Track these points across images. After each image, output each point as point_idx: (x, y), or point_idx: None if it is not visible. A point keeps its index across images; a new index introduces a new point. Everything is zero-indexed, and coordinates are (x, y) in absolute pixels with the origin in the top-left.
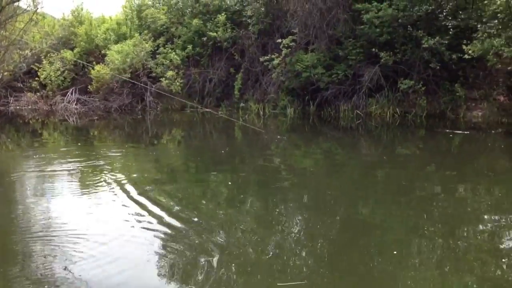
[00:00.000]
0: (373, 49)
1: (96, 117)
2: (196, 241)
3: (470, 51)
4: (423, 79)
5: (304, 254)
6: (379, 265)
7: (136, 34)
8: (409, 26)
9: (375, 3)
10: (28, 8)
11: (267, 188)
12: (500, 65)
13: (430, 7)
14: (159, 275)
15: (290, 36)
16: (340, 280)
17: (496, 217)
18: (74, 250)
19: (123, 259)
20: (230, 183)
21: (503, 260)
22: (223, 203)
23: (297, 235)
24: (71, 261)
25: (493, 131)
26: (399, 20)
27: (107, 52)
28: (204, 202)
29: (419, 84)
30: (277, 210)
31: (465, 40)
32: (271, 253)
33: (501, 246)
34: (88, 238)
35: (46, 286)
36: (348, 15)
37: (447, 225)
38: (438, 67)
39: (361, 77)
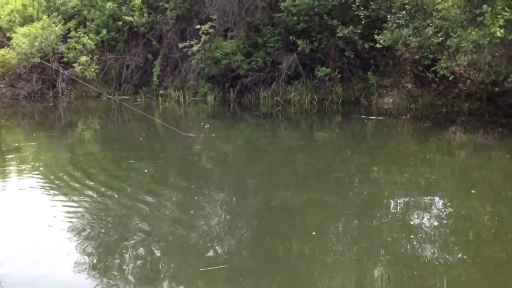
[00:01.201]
0: (291, 37)
1: (2, 105)
2: (117, 229)
3: (381, 41)
4: (338, 67)
5: (225, 239)
6: (298, 248)
7: (44, 17)
8: (324, 15)
9: None
10: None
11: (186, 175)
12: (408, 54)
13: None
14: (79, 265)
15: (209, 23)
16: (260, 263)
17: (406, 197)
18: None
19: (38, 254)
20: (146, 171)
21: (413, 237)
22: (142, 191)
23: (218, 221)
24: None
25: (402, 117)
26: (315, 9)
27: (12, 35)
28: (121, 191)
29: (335, 72)
30: (197, 196)
31: (376, 30)
32: (192, 239)
33: (411, 224)
34: None
35: None
36: (266, 2)
37: (362, 206)
38: (352, 56)
39: (280, 65)
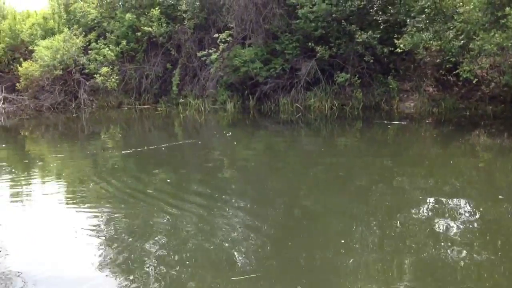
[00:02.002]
0: (309, 44)
1: (27, 116)
2: (143, 236)
3: (401, 45)
4: (358, 72)
5: (250, 247)
6: (321, 254)
7: (66, 29)
8: (342, 21)
9: None
10: None
11: (209, 184)
12: (428, 58)
13: (362, 2)
14: (103, 269)
15: (227, 31)
16: (286, 270)
17: (431, 203)
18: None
19: (63, 257)
20: (169, 180)
21: (438, 242)
22: (165, 199)
23: (241, 229)
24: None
25: (425, 121)
26: (333, 15)
27: (34, 48)
28: (144, 200)
29: (355, 77)
30: (220, 204)
31: (395, 34)
32: (216, 247)
33: (437, 230)
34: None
35: None
36: (283, 10)
37: (386, 212)
38: (371, 61)
39: (299, 71)
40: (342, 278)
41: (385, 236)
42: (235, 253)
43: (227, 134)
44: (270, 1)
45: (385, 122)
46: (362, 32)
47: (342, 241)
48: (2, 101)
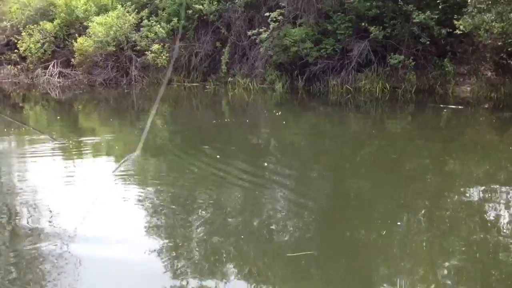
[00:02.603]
0: (363, 24)
1: (80, 91)
2: (193, 214)
3: (461, 26)
4: (412, 54)
5: (296, 225)
6: (366, 237)
7: (119, 6)
8: (399, 1)
9: None
10: None
11: (256, 162)
12: (489, 41)
13: None
14: (152, 249)
15: (278, 10)
16: (337, 249)
17: (483, 190)
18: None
19: (114, 235)
20: (218, 156)
21: (489, 232)
22: (212, 176)
23: (288, 207)
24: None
25: (482, 106)
26: None
27: (89, 24)
28: (192, 175)
29: (409, 59)
30: (267, 182)
31: (454, 15)
32: (263, 224)
33: (488, 218)
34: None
35: (40, 259)
36: None
37: (435, 197)
38: (427, 42)
39: (350, 52)
40: (388, 259)
41: (432, 220)
42: (282, 230)
43: (277, 114)
44: None
45: (440, 106)
46: (420, 12)
47: (388, 225)
48: (57, 76)
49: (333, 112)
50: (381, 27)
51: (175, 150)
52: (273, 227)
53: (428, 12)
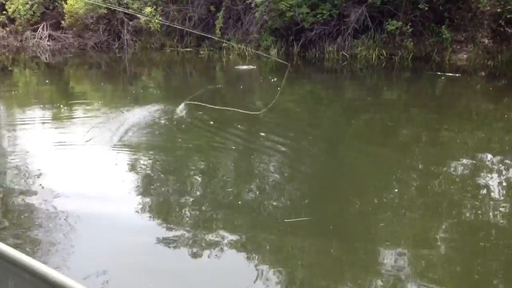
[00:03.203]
0: None
1: (71, 54)
2: (187, 178)
3: None
4: (410, 20)
5: (289, 192)
6: (360, 205)
7: None
8: None
9: None
10: None
11: (250, 127)
12: (488, 7)
13: None
14: (142, 207)
15: None
16: (325, 219)
17: (477, 158)
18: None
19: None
20: (212, 122)
21: (480, 200)
22: (205, 143)
23: (281, 174)
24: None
25: (478, 74)
26: None
27: None
28: (184, 140)
29: (406, 26)
30: (260, 148)
31: None
32: (258, 191)
33: (480, 185)
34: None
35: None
36: None
37: (428, 165)
38: (426, 8)
39: (347, 18)
40: (378, 233)
41: (425, 191)
42: (277, 197)
43: (272, 80)
44: None
45: (436, 73)
46: None
47: (382, 192)
48: (47, 38)
49: (329, 79)
50: None
51: (167, 116)
52: (268, 192)
53: None
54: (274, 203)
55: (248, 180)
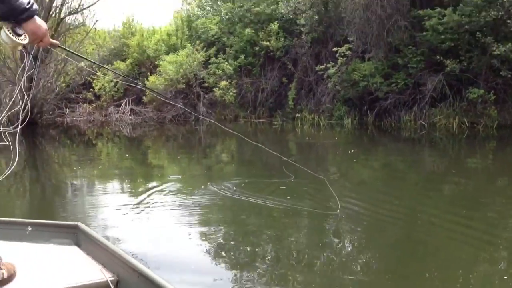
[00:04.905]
0: (437, 57)
1: (150, 128)
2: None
3: None
4: (492, 88)
5: (361, 265)
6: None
7: (188, 45)
8: (477, 33)
9: (438, 9)
10: (86, 21)
11: (323, 197)
12: None
13: (499, 13)
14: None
15: (346, 45)
16: None
17: None
18: None
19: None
20: (288, 197)
21: None
22: (277, 215)
23: (352, 252)
24: None
25: None
26: (465, 26)
27: (160, 63)
28: (256, 210)
29: (489, 93)
30: (333, 222)
31: None
32: (332, 264)
33: None
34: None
35: None
36: (408, 21)
37: None
38: (509, 75)
39: (423, 86)
40: None
41: None
42: (352, 270)
43: (349, 152)
44: (394, 13)
45: None
46: (499, 44)
47: (464, 276)
48: (129, 113)
49: (406, 148)
50: (458, 60)
51: (245, 186)
52: (340, 263)
53: (509, 44)
54: (350, 277)
55: (321, 248)
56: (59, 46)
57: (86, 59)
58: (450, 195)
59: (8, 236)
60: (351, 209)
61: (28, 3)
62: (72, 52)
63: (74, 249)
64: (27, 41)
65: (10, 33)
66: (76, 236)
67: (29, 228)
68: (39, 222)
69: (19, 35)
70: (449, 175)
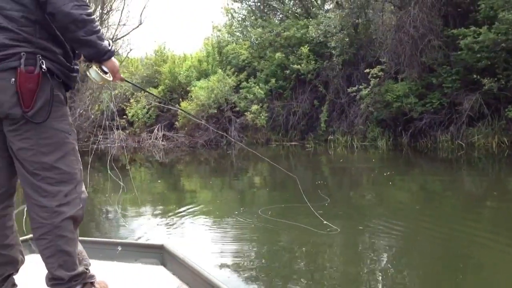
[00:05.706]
0: (473, 76)
1: (182, 153)
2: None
3: None
4: None
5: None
6: None
7: (219, 70)
8: None
9: (473, 28)
10: (119, 50)
11: (360, 222)
12: None
13: None
14: None
15: (378, 66)
16: None
17: None
18: None
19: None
20: (325, 222)
21: None
22: (312, 237)
23: (388, 273)
24: None
25: None
26: (502, 45)
27: (191, 89)
28: (296, 232)
29: None
30: (368, 245)
31: None
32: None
33: None
34: None
35: None
36: (441, 41)
37: None
38: None
39: (459, 105)
40: None
41: None
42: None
43: (385, 174)
44: (427, 33)
45: None
46: None
47: None
48: (161, 139)
49: (444, 169)
50: (495, 78)
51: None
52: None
53: None
54: None
55: (358, 266)
56: (125, 81)
57: (147, 91)
58: (491, 217)
59: (100, 255)
60: (391, 233)
61: (109, 44)
62: (134, 85)
63: (160, 268)
64: (111, 78)
65: (100, 71)
66: (162, 256)
67: (119, 248)
68: (128, 242)
69: (106, 73)
70: (490, 197)
